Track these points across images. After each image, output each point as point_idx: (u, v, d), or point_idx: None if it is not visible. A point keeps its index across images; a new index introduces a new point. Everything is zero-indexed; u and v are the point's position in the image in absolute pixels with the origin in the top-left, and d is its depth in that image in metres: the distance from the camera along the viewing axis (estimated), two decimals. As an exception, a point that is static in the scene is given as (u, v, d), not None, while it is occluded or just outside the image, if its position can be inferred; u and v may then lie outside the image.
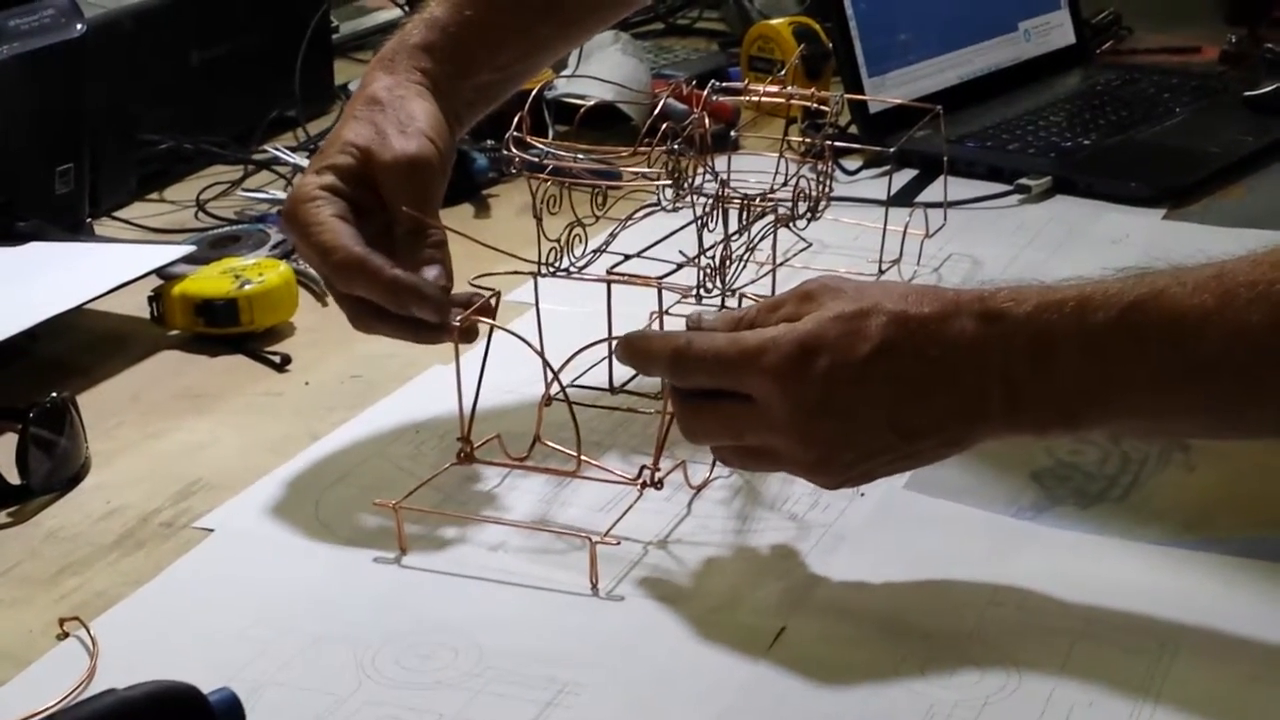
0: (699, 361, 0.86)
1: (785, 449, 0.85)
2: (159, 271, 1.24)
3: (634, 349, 0.90)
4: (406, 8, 1.81)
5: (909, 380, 0.83)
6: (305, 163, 1.50)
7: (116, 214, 1.47)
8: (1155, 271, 0.82)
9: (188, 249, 1.28)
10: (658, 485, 0.94)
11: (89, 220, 1.39)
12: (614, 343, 1.07)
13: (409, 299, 0.95)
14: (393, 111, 1.00)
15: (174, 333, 1.22)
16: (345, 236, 0.96)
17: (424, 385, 1.13)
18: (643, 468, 0.95)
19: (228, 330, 1.21)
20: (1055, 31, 1.84)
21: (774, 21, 1.81)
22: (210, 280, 1.22)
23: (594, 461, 0.98)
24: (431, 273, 0.97)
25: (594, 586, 0.89)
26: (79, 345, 1.21)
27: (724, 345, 0.85)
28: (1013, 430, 0.84)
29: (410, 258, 0.97)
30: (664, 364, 0.88)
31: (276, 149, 1.56)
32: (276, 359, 1.19)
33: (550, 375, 0.98)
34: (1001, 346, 0.82)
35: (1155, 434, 0.95)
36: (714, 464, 0.97)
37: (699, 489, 0.98)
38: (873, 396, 0.83)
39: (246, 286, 1.21)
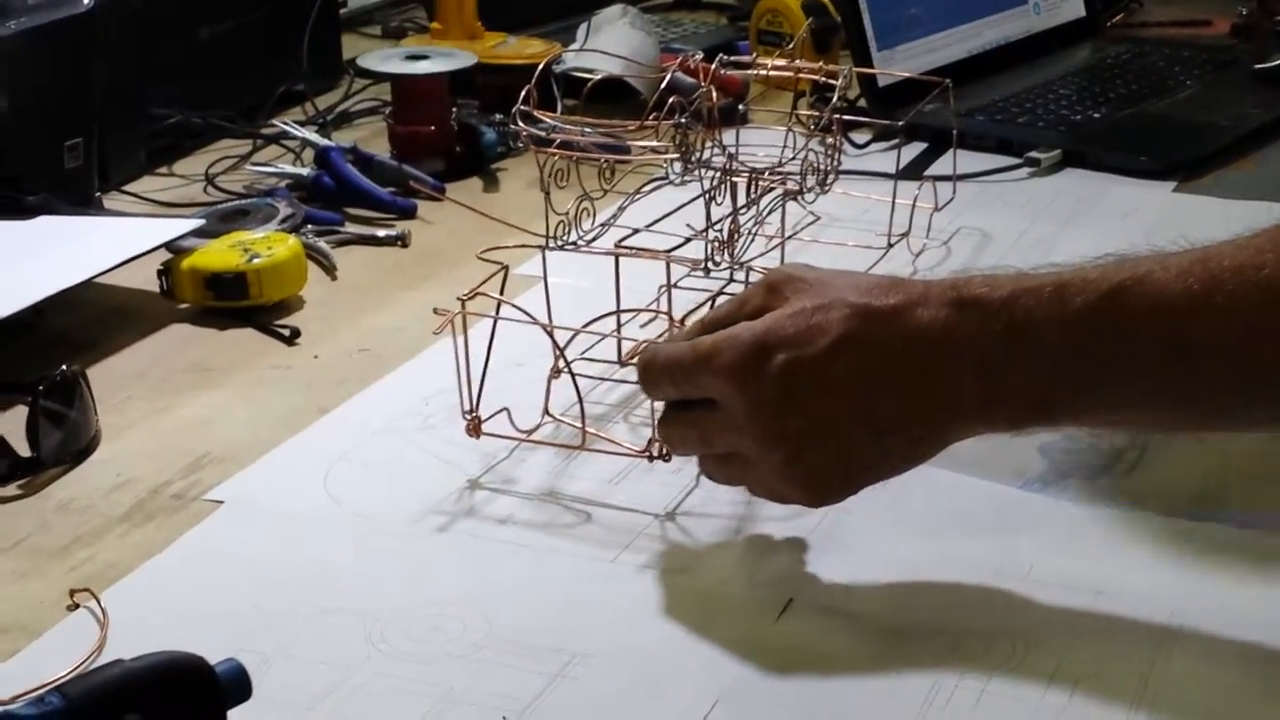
0: (662, 372, 0.85)
1: (753, 452, 0.83)
2: (168, 245, 1.24)
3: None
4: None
5: (873, 372, 0.80)
6: (313, 137, 1.51)
7: (125, 188, 1.47)
8: (1136, 257, 0.79)
9: (197, 223, 1.28)
10: (666, 457, 0.94)
11: (98, 194, 1.39)
12: (621, 316, 1.07)
13: None
14: None
15: (183, 306, 1.23)
16: None
17: (432, 359, 1.13)
18: (651, 440, 0.95)
19: (237, 304, 1.21)
20: (1065, 4, 1.84)
21: (783, -5, 1.80)
22: (219, 254, 1.22)
23: (602, 434, 0.99)
24: None
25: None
26: (88, 319, 1.21)
27: (683, 351, 0.84)
28: (987, 423, 0.81)
29: None
30: (640, 380, 0.88)
31: (285, 123, 1.56)
32: (286, 332, 1.19)
33: (558, 349, 0.98)
34: (976, 333, 0.79)
35: (1134, 426, 0.92)
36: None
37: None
38: (834, 390, 0.80)
39: (255, 260, 1.21)
